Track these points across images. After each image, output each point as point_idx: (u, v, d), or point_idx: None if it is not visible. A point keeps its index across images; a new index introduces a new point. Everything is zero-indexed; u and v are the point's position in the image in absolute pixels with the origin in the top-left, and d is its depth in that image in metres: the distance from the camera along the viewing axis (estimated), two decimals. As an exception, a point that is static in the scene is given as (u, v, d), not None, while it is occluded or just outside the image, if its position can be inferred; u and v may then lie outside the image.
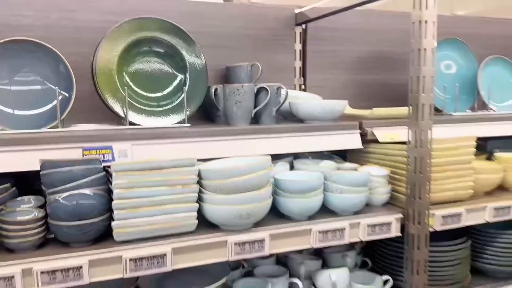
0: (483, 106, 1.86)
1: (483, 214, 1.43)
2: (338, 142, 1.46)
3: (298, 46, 1.93)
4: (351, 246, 1.51)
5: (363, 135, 1.49)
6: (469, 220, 1.41)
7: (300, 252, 1.49)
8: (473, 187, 1.42)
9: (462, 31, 2.15)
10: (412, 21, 1.23)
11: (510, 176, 1.54)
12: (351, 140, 1.48)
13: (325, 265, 1.43)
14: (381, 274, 1.42)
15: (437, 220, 1.35)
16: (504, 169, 1.53)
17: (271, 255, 1.45)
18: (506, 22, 2.33)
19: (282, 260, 1.47)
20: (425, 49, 1.22)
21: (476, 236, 1.56)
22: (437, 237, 1.43)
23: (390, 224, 1.29)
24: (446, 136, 1.42)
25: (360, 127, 1.49)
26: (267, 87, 1.43)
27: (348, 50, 2.01)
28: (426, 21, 1.20)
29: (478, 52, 1.96)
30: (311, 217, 1.26)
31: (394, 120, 1.48)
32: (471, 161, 1.40)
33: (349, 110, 1.66)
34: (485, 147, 1.93)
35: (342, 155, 1.70)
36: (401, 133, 1.43)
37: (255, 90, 1.44)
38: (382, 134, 1.47)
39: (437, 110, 1.78)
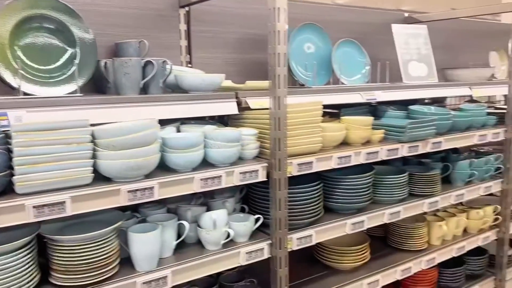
0: (338, 80, 2.24)
1: (330, 162, 1.79)
2: (217, 109, 1.70)
3: (183, 27, 2.12)
4: (231, 195, 1.78)
5: (239, 104, 1.75)
6: (319, 167, 1.76)
7: (189, 203, 1.72)
8: (322, 142, 1.77)
9: (324, 18, 2.53)
10: (268, 7, 1.50)
11: (351, 134, 1.92)
12: (229, 108, 1.73)
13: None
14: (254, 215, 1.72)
15: (294, 168, 1.67)
16: (347, 128, 1.91)
17: (163, 206, 1.66)
18: (358, 11, 2.76)
19: (172, 211, 1.68)
20: (278, 31, 1.51)
21: (327, 180, 1.94)
22: (297, 181, 1.76)
23: (258, 171, 1.58)
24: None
25: (236, 97, 1.74)
26: (153, 61, 1.61)
27: (228, 31, 2.25)
28: (279, 8, 1.48)
29: (337, 35, 2.34)
30: (195, 169, 1.50)
31: (263, 91, 1.76)
32: (319, 122, 1.73)
33: (228, 84, 1.91)
34: (339, 113, 2.34)
35: (225, 122, 1.96)
36: (268, 101, 1.72)
37: (142, 64, 1.61)
38: (253, 102, 1.74)
39: (301, 85, 2.12)
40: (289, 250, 1.69)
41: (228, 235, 1.55)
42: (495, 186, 2.57)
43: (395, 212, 2.08)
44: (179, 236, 1.53)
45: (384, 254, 2.29)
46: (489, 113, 2.60)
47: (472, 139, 2.37)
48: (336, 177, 1.94)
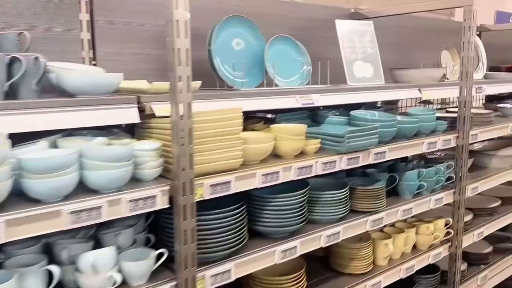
0: (272, 82, 1.96)
1: (253, 180, 1.50)
2: (113, 117, 1.37)
3: (84, 16, 1.78)
4: (132, 224, 1.46)
5: (142, 110, 1.43)
6: (239, 187, 1.47)
7: (74, 236, 1.39)
8: (244, 156, 1.48)
9: (260, 11, 2.25)
10: (163, -10, 1.19)
11: (280, 144, 1.64)
12: (128, 115, 1.41)
13: (99, 247, 1.35)
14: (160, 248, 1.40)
15: (206, 190, 1.37)
16: (276, 138, 1.63)
17: (37, 242, 1.31)
18: (298, 4, 2.49)
19: (50, 246, 1.35)
20: (177, 20, 1.20)
21: (253, 200, 1.65)
22: (216, 203, 1.46)
23: (155, 197, 1.27)
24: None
25: (138, 102, 1.42)
26: (20, 57, 1.26)
27: (145, 23, 1.92)
28: (176, -9, 1.18)
29: (275, 31, 2.07)
30: (67, 198, 1.16)
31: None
32: (238, 132, 1.44)
33: (131, 84, 1.58)
34: (274, 119, 2.06)
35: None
36: None
37: (7, 61, 1.26)
38: (160, 108, 1.43)
39: (230, 87, 1.83)
40: (201, 291, 1.39)
41: (115, 282, 1.22)
42: (446, 198, 2.38)
43: (334, 233, 1.82)
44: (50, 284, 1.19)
45: (324, 279, 2.04)
46: (439, 118, 2.41)
47: (420, 147, 2.16)
48: (264, 197, 1.65)
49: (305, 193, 1.73)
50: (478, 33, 3.65)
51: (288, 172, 1.61)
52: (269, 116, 2.23)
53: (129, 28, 1.88)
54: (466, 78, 2.31)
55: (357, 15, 2.80)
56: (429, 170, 2.27)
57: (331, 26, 2.33)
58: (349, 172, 2.24)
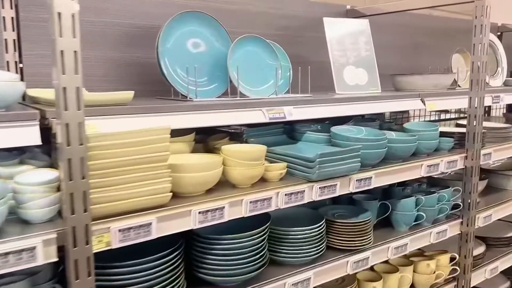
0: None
1: (187, 220, 1.18)
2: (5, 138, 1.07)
3: (8, 13, 1.49)
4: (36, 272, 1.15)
5: (49, 128, 1.13)
6: (167, 229, 1.15)
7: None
8: (179, 187, 1.17)
9: (229, 7, 1.94)
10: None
11: (232, 171, 1.32)
12: (28, 136, 1.10)
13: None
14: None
15: (114, 236, 1.05)
16: (225, 163, 1.31)
17: None
18: (282, 0, 2.16)
19: None
20: (59, 13, 0.89)
21: (197, 242, 1.33)
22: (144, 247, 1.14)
23: (35, 251, 0.95)
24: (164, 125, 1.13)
25: (44, 118, 1.12)
26: None
27: (84, 20, 1.62)
28: (51, -26, 0.86)
29: (250, 31, 1.75)
30: None
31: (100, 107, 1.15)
32: (165, 159, 1.12)
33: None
34: (241, 135, 1.74)
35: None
36: (109, 124, 1.11)
37: None
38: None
39: (184, 97, 1.52)
40: None
41: None
42: (452, 229, 2.01)
43: (302, 280, 1.48)
44: None
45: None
46: (446, 133, 2.04)
47: (417, 171, 1.79)
48: (208, 238, 1.33)
49: (263, 232, 1.40)
50: (499, 33, 3.24)
51: (238, 207, 1.28)
52: (237, 129, 1.91)
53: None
54: (477, 87, 1.93)
55: (354, 13, 2.45)
56: (430, 198, 1.91)
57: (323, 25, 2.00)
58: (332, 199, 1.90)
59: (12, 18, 1.51)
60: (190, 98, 1.50)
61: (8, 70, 1.53)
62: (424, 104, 2.00)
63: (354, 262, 1.62)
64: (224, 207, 1.24)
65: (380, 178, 1.64)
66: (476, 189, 2.01)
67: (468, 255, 2.05)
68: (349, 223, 1.62)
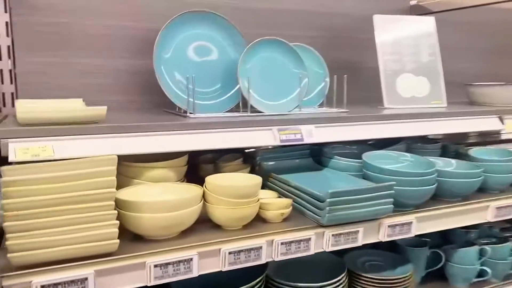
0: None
1: (142, 274, 0.93)
2: None
3: (2, 17, 1.39)
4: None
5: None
6: (111, 286, 0.91)
7: None
8: (134, 229, 0.93)
9: (262, 6, 1.68)
10: None
11: (213, 210, 1.05)
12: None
13: None
14: None
15: (35, 294, 0.84)
16: (208, 199, 1.05)
17: None
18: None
19: None
20: None
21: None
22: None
23: None
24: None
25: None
26: None
27: (88, 23, 1.47)
28: None
29: (289, 33, 1.50)
30: None
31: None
32: (110, 197, 0.89)
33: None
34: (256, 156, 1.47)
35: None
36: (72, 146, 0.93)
37: None
38: (19, 148, 0.94)
39: (184, 112, 1.30)
40: None
41: None
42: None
43: None
44: None
45: None
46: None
47: (481, 214, 1.37)
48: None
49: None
50: None
51: (215, 259, 1.01)
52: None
53: (63, 31, 1.44)
54: None
55: (419, 9, 2.05)
56: (501, 247, 1.46)
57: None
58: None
59: (7, 22, 1.39)
60: (190, 113, 1.27)
61: (2, 81, 1.42)
62: (503, 123, 1.57)
63: (384, 329, 1.26)
64: (192, 259, 0.97)
65: (425, 224, 1.26)
66: None
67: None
68: (379, 279, 1.26)
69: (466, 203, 1.34)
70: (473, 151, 1.51)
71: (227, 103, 1.41)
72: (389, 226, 1.20)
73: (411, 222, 1.23)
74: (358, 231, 1.16)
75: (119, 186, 0.97)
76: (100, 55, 1.48)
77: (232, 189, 1.04)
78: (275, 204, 1.12)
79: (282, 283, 1.19)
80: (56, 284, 0.85)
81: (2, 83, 1.41)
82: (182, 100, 1.31)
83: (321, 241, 1.12)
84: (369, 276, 1.27)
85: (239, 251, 1.02)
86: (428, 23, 1.77)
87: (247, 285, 1.08)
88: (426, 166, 1.27)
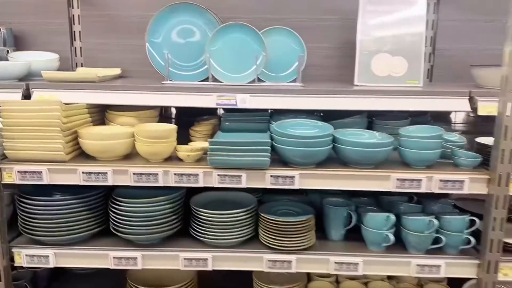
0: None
1: (74, 176, 1.46)
2: None
3: (76, 11, 2.05)
4: None
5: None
6: (58, 180, 1.46)
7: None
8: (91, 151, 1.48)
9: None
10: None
11: (136, 146, 1.49)
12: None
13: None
14: None
15: (15, 175, 1.45)
16: (135, 138, 1.49)
17: None
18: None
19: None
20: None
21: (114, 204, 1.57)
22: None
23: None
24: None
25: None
26: None
27: (125, 14, 2.01)
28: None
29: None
30: None
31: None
32: (56, 125, 1.42)
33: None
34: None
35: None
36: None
37: None
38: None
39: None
40: None
41: None
42: (463, 270, 1.52)
43: (200, 258, 1.52)
44: None
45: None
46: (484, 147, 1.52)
47: (381, 182, 1.45)
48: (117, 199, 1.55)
49: (169, 200, 1.51)
50: None
51: (124, 176, 1.46)
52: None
53: (112, 20, 2.02)
54: (505, 87, 1.36)
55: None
56: (416, 220, 1.50)
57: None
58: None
59: (79, 15, 2.04)
60: (170, 80, 1.71)
61: (76, 54, 2.08)
62: (475, 105, 1.54)
63: (270, 261, 1.51)
64: (107, 173, 1.44)
65: (309, 181, 1.45)
66: (501, 227, 1.43)
67: (486, 313, 1.50)
68: (272, 220, 1.51)
69: (353, 169, 1.45)
70: (408, 128, 1.54)
71: (204, 74, 1.79)
72: (271, 176, 1.44)
73: (293, 176, 1.44)
74: (241, 175, 1.44)
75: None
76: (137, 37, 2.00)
77: (145, 132, 1.46)
78: (183, 148, 1.50)
79: (198, 209, 1.54)
80: (24, 172, 1.44)
81: (76, 56, 2.07)
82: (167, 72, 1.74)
83: (210, 178, 1.45)
84: (265, 216, 1.52)
85: (141, 174, 1.45)
86: (419, 4, 1.77)
87: (164, 197, 1.49)
88: (325, 134, 1.43)
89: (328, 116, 1.69)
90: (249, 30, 1.70)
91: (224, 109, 1.90)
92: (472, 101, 1.53)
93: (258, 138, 1.45)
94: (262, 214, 1.54)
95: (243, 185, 1.45)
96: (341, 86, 1.62)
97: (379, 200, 1.74)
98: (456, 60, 2.00)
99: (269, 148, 1.41)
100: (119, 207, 1.51)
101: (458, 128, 2.11)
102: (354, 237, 1.60)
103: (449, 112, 2.11)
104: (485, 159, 1.47)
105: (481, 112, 1.51)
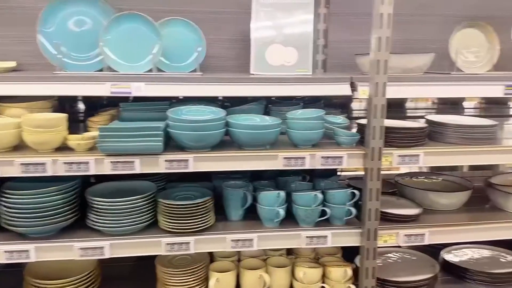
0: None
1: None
2: None
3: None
4: None
5: None
6: None
7: None
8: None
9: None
10: None
11: (23, 135, 1.44)
12: None
13: None
14: None
15: None
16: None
17: None
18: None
19: None
20: None
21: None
22: None
23: None
24: None
25: None
26: None
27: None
28: None
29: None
30: None
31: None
32: None
33: None
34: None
35: None
36: None
37: None
38: None
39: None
40: None
41: None
42: (348, 239, 1.65)
43: (96, 247, 1.50)
44: None
45: None
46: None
47: (271, 162, 1.53)
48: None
49: (62, 190, 1.47)
50: None
51: (10, 167, 1.40)
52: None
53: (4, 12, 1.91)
54: (377, 69, 1.50)
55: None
56: (304, 196, 1.60)
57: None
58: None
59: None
60: (63, 71, 1.65)
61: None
62: (356, 90, 1.65)
63: (168, 244, 1.53)
64: (-4, 163, 1.38)
65: (203, 163, 1.49)
66: (377, 196, 1.57)
67: (368, 275, 1.64)
68: (169, 204, 1.53)
69: (248, 151, 1.52)
70: (295, 112, 1.64)
71: (101, 64, 1.76)
72: (166, 161, 1.46)
73: (187, 160, 1.47)
74: (134, 161, 1.44)
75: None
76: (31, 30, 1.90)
77: (31, 121, 1.42)
78: (73, 137, 1.47)
79: (92, 198, 1.52)
80: None
81: None
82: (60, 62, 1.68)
83: (102, 166, 1.44)
84: (165, 202, 1.54)
85: (28, 164, 1.40)
86: (304, -5, 1.86)
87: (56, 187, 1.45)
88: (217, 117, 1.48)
89: (232, 105, 1.76)
90: (144, 20, 1.70)
91: (124, 99, 1.88)
92: (353, 85, 1.65)
93: (150, 124, 1.46)
94: (160, 200, 1.56)
95: (137, 170, 1.46)
96: (238, 75, 1.68)
97: (277, 181, 1.83)
98: (347, 51, 2.14)
99: (161, 133, 1.44)
100: (9, 200, 1.45)
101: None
102: (252, 216, 1.67)
103: (350, 100, 2.27)
104: (363, 137, 1.61)
105: (361, 95, 1.64)
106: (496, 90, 1.62)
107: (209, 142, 1.50)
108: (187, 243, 1.54)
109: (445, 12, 2.15)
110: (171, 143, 1.57)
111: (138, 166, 1.46)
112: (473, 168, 2.52)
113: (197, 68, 1.77)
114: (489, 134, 1.67)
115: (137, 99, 1.72)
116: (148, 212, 1.57)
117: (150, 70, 1.70)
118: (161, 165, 1.47)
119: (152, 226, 1.59)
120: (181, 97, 1.86)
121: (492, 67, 1.94)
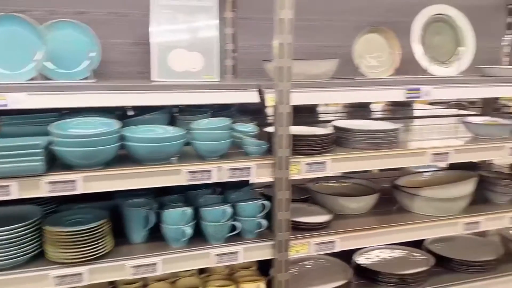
0: None
1: None
2: None
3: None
4: None
5: None
6: None
7: None
8: None
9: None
10: None
11: None
12: None
13: None
14: None
15: None
16: None
17: None
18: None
19: None
20: None
21: None
22: None
23: None
24: None
25: None
26: None
27: None
28: None
29: None
30: None
31: None
32: None
33: None
34: None
35: None
36: None
37: None
38: None
39: None
40: None
41: None
42: (263, 253, 1.56)
43: (-36, 289, 1.26)
44: None
45: None
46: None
47: (173, 177, 1.40)
48: None
49: None
50: None
51: None
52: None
53: None
54: (281, 76, 1.44)
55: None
56: (214, 210, 1.49)
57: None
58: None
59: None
60: None
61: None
62: (263, 97, 1.55)
63: (58, 277, 1.34)
64: None
65: (97, 183, 1.32)
66: (287, 207, 1.52)
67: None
68: (56, 232, 1.34)
69: (147, 166, 1.39)
70: (200, 122, 1.53)
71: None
72: (49, 182, 1.27)
73: (74, 180, 1.29)
74: (9, 185, 1.24)
75: None
76: None
77: None
78: None
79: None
80: None
81: None
82: None
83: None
84: (51, 230, 1.35)
85: None
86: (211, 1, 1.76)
87: None
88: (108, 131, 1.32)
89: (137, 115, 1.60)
90: (24, 22, 1.48)
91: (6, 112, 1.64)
92: (261, 93, 1.57)
93: (27, 141, 1.26)
94: (45, 227, 1.36)
95: (15, 196, 1.26)
96: (138, 82, 1.53)
97: (186, 195, 1.70)
98: (258, 56, 2.07)
99: (41, 151, 1.25)
100: None
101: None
102: (158, 236, 1.53)
103: (264, 106, 2.20)
104: (271, 146, 1.54)
105: (269, 102, 1.57)
106: (397, 94, 1.64)
107: (101, 158, 1.34)
108: (79, 274, 1.36)
109: (350, 18, 2.18)
110: (59, 161, 1.38)
111: (16, 191, 1.25)
112: (383, 169, 2.60)
113: (91, 75, 1.59)
114: (392, 138, 1.69)
115: (23, 112, 1.50)
116: (32, 241, 1.36)
117: (34, 79, 1.49)
118: (43, 188, 1.28)
119: (39, 258, 1.39)
120: (76, 107, 1.66)
121: (394, 71, 1.98)
